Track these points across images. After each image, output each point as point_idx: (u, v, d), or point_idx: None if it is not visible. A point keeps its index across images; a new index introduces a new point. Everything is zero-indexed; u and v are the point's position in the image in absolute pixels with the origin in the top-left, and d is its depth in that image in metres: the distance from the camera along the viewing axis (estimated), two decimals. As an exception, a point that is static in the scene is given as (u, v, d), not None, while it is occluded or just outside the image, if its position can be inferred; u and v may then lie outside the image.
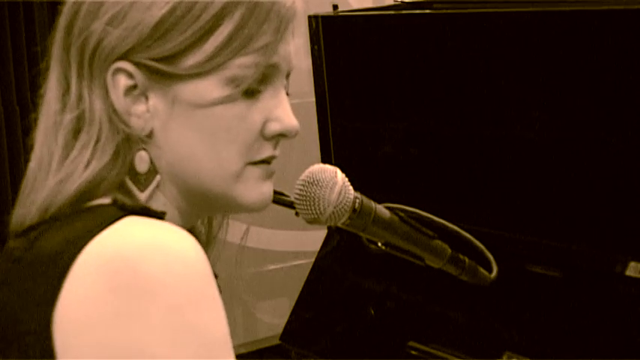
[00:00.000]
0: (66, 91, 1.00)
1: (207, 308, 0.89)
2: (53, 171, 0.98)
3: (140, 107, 0.99)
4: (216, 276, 0.96)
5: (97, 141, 0.97)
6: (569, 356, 1.54)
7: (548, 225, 1.67)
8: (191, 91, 0.99)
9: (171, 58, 0.98)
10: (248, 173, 1.03)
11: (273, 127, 1.03)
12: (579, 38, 1.58)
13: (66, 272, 0.89)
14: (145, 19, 0.97)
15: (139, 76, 0.98)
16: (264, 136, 1.03)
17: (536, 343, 1.59)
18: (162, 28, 0.97)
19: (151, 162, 1.00)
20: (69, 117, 0.98)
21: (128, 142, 0.99)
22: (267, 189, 1.05)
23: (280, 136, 1.04)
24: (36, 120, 1.04)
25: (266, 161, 1.04)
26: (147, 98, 0.99)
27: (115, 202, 0.96)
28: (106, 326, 0.86)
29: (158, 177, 1.00)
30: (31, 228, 0.97)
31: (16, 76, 2.34)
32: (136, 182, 0.99)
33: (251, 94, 1.01)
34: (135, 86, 0.99)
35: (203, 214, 1.10)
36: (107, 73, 0.98)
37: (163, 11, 0.97)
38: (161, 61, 0.98)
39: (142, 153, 1.00)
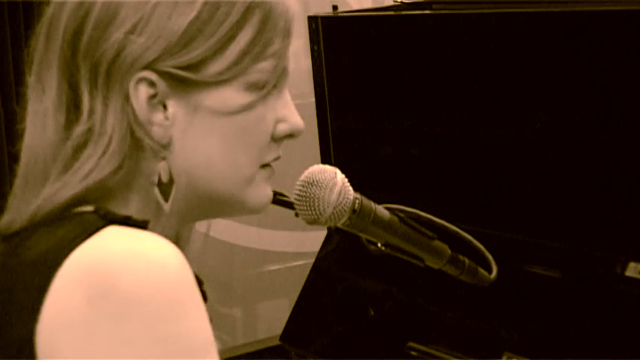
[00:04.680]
0: (71, 102, 0.98)
1: (186, 318, 0.88)
2: (51, 182, 0.96)
3: (159, 116, 0.98)
4: (201, 282, 0.95)
5: (103, 154, 0.95)
6: (569, 356, 1.54)
7: (547, 226, 1.67)
8: (215, 99, 0.99)
9: (196, 65, 0.97)
10: (258, 176, 1.03)
11: (283, 128, 1.04)
12: (579, 38, 1.58)
13: (48, 284, 0.87)
14: (170, 26, 0.96)
15: (161, 85, 0.97)
16: (272, 138, 1.04)
17: (536, 344, 1.59)
18: (188, 36, 0.96)
19: (169, 171, 0.99)
20: (78, 130, 0.96)
21: (140, 153, 0.98)
22: (269, 191, 1.06)
23: (287, 137, 1.05)
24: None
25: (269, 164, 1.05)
26: (164, 106, 0.98)
27: (96, 210, 0.94)
28: (84, 338, 0.85)
29: (175, 186, 0.99)
30: (16, 233, 0.96)
31: (16, 76, 2.34)
32: (161, 193, 0.99)
33: (265, 97, 1.02)
34: (155, 95, 0.97)
35: (202, 217, 1.09)
36: (129, 83, 0.96)
37: (190, 17, 0.96)
38: (186, 69, 0.97)
39: (164, 163, 0.99)
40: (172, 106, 0.98)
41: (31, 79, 1.01)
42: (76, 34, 0.97)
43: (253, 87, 1.00)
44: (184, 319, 0.87)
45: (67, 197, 0.95)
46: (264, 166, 1.04)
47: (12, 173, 1.05)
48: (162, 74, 0.97)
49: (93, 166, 0.95)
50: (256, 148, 1.02)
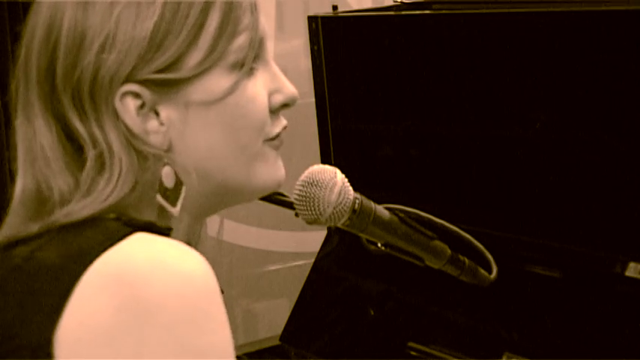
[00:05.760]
0: (63, 134, 0.97)
1: (211, 329, 0.88)
2: (74, 202, 0.95)
3: (153, 123, 0.98)
4: (222, 292, 0.95)
5: (120, 175, 0.95)
6: (569, 356, 1.54)
7: (547, 225, 1.66)
8: (201, 90, 0.98)
9: (174, 64, 0.97)
10: (267, 151, 1.03)
11: (277, 99, 1.04)
12: (579, 38, 1.58)
13: (70, 290, 0.87)
14: (137, 34, 0.95)
15: (146, 93, 0.96)
16: (270, 110, 1.04)
17: (536, 344, 1.59)
18: (157, 38, 0.96)
19: (175, 175, 0.99)
20: (91, 157, 0.95)
21: (145, 162, 0.97)
22: (281, 166, 1.06)
23: (284, 107, 1.05)
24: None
25: (278, 135, 1.05)
26: (156, 112, 0.98)
27: (119, 217, 0.94)
28: (110, 347, 0.85)
29: (184, 188, 0.99)
30: (34, 237, 0.95)
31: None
32: (166, 198, 0.98)
33: (250, 73, 1.02)
34: (143, 104, 0.97)
35: (216, 209, 1.09)
36: (114, 101, 0.96)
37: (154, 20, 0.96)
38: (165, 71, 0.96)
39: (167, 168, 0.98)
40: (163, 110, 0.98)
41: (17, 121, 1.01)
42: (50, 68, 0.97)
43: (235, 67, 1.00)
44: (208, 331, 0.88)
45: (86, 214, 0.94)
46: (273, 139, 1.04)
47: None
48: (144, 82, 0.96)
49: (112, 189, 0.95)
50: (256, 126, 1.02)
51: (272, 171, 1.05)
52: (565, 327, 1.58)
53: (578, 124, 1.60)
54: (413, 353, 1.72)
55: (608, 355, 1.50)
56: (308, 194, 1.19)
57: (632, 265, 1.53)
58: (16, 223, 0.98)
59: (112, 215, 0.94)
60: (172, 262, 0.88)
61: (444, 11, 1.95)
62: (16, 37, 1.05)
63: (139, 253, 0.89)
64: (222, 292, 0.98)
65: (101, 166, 0.96)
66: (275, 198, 1.34)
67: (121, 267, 0.88)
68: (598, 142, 1.58)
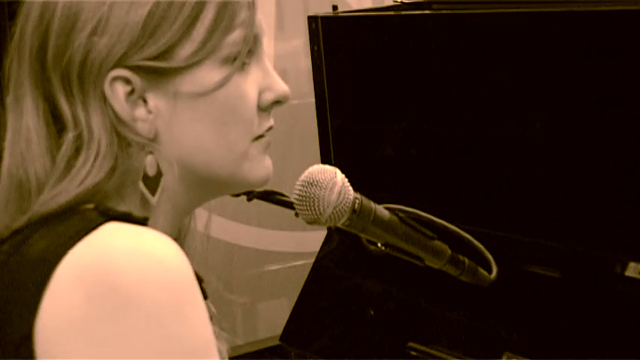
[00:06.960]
0: (50, 115, 0.98)
1: (187, 316, 0.87)
2: (48, 189, 0.95)
3: (141, 111, 0.98)
4: (200, 280, 0.95)
5: (95, 158, 0.95)
6: (569, 356, 1.54)
7: (547, 225, 1.67)
8: (192, 82, 0.98)
9: (166, 53, 0.96)
10: (253, 150, 1.03)
11: (268, 97, 1.04)
12: (579, 38, 1.58)
13: (46, 281, 0.87)
14: (131, 19, 0.95)
15: (136, 80, 0.96)
16: (260, 108, 1.03)
17: (536, 344, 1.59)
18: (151, 25, 0.95)
19: (157, 165, 0.99)
20: (69, 139, 0.96)
21: (129, 149, 0.97)
22: (269, 162, 1.06)
23: (275, 104, 1.05)
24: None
25: (264, 135, 1.05)
26: (145, 100, 0.98)
27: (97, 207, 0.94)
28: (84, 336, 0.85)
29: (163, 179, 0.99)
30: (17, 232, 0.95)
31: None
32: (148, 187, 0.98)
33: (242, 68, 1.01)
34: (132, 91, 0.97)
35: (201, 202, 1.09)
36: (104, 85, 0.96)
37: (149, 7, 0.95)
38: (156, 59, 0.96)
39: (150, 157, 0.98)
40: (152, 98, 0.98)
41: (8, 100, 1.01)
42: (42, 47, 0.97)
43: (227, 61, 0.99)
44: (185, 318, 0.87)
45: (63, 202, 0.94)
46: (258, 138, 1.04)
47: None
48: (135, 69, 0.96)
49: (88, 172, 0.95)
50: (245, 122, 1.01)
51: (256, 170, 1.04)
52: (565, 327, 1.58)
53: (578, 124, 1.60)
54: (413, 353, 1.72)
55: (608, 355, 1.50)
56: (308, 194, 1.20)
57: (632, 265, 1.53)
58: (3, 219, 0.99)
59: (90, 205, 0.94)
60: (147, 250, 0.87)
61: (444, 11, 1.96)
62: (12, 15, 1.05)
63: (112, 242, 0.88)
64: (202, 280, 0.97)
65: (78, 148, 0.96)
66: (275, 198, 1.34)
67: (95, 256, 0.87)
68: (598, 142, 1.58)
